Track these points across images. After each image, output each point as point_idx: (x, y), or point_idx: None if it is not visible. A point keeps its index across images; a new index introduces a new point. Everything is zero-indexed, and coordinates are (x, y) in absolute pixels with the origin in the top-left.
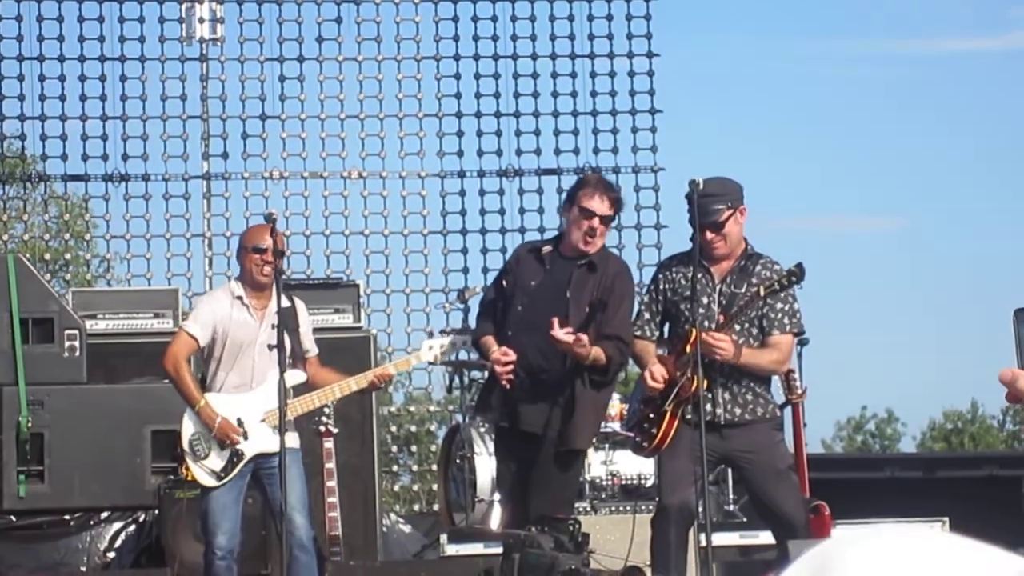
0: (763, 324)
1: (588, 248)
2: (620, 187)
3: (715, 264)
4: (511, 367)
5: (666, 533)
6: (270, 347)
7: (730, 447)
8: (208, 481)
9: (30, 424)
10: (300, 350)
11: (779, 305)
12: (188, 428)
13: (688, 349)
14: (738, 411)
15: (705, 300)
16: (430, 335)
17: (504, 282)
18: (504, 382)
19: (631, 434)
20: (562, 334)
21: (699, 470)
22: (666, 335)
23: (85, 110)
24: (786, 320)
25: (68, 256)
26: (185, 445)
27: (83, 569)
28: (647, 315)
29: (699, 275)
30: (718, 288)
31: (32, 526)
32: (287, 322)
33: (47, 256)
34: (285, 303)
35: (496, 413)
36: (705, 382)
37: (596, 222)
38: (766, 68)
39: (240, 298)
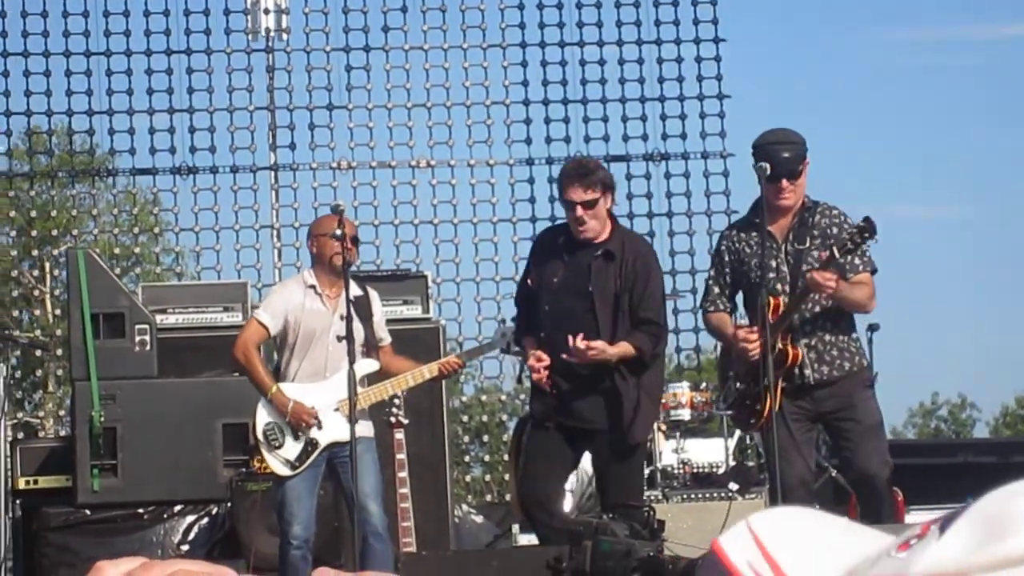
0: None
1: (585, 236)
2: (598, 164)
3: (774, 224)
4: (546, 371)
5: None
6: (339, 338)
7: (821, 408)
8: (283, 471)
9: (102, 419)
10: (374, 339)
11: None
12: (262, 417)
13: (772, 317)
14: (826, 369)
15: (773, 263)
16: (502, 322)
17: (529, 280)
18: (543, 386)
19: (730, 412)
20: (578, 351)
21: (803, 438)
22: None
23: (152, 104)
24: (858, 261)
25: (138, 251)
26: (259, 435)
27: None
28: (716, 289)
29: (762, 239)
30: (783, 248)
31: (106, 519)
32: (360, 311)
33: (117, 251)
34: (358, 291)
35: (542, 413)
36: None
37: (579, 211)
38: (832, 54)
39: (313, 287)
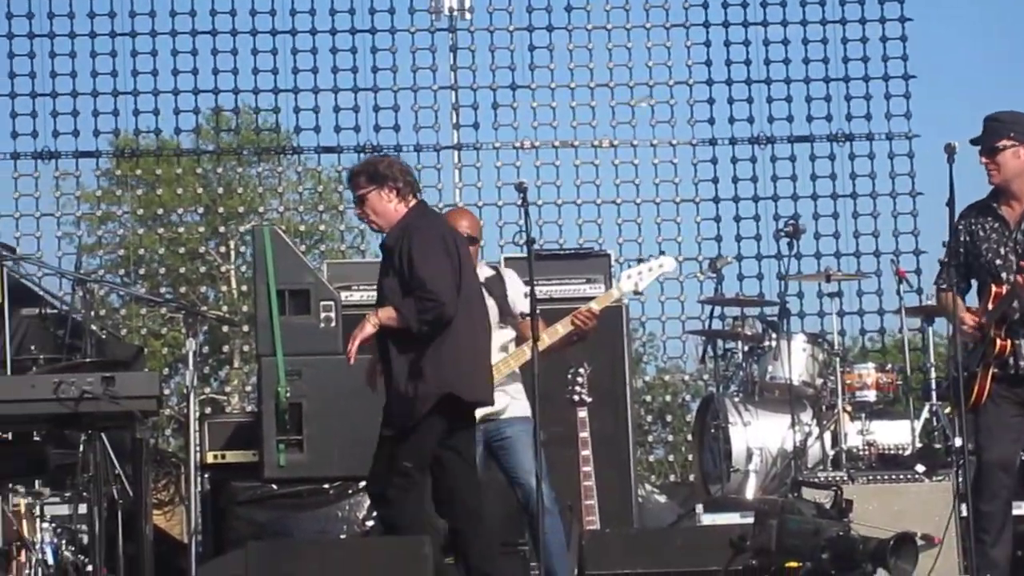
0: None
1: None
2: (365, 163)
3: (1009, 209)
4: None
5: (987, 490)
6: (523, 316)
7: None
8: None
9: (288, 394)
10: (508, 309)
11: None
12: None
13: (991, 306)
14: None
15: (1002, 250)
16: (636, 263)
17: None
18: None
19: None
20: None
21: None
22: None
23: (337, 82)
24: None
25: (322, 228)
26: None
27: (342, 537)
28: (948, 269)
29: (995, 224)
30: (1013, 235)
31: (292, 495)
32: (493, 289)
33: (302, 229)
34: (489, 272)
35: None
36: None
37: (356, 209)
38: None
39: None
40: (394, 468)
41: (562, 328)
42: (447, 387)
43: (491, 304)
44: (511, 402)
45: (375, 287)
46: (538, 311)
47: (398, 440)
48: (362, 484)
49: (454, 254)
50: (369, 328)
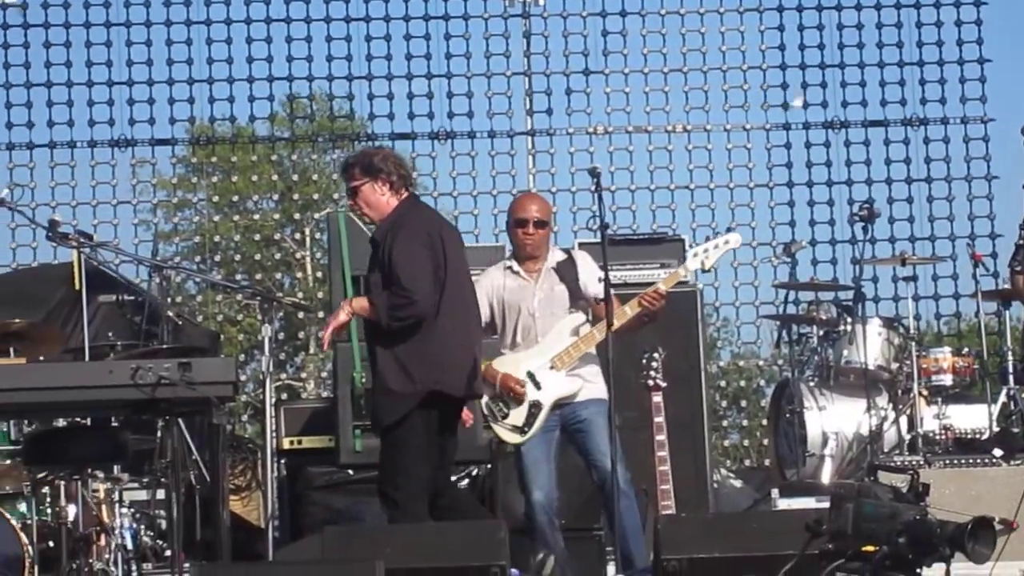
0: None
1: (370, 221)
2: (359, 154)
3: None
4: None
5: None
6: (596, 300)
7: None
8: (512, 438)
9: (364, 380)
10: (579, 293)
11: None
12: (486, 394)
13: None
14: None
15: None
16: (707, 239)
17: None
18: None
19: None
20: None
21: None
22: None
23: (411, 69)
24: None
25: None
26: (484, 411)
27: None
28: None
29: None
30: None
31: (368, 480)
32: (564, 273)
33: None
34: (561, 256)
35: None
36: None
37: (349, 201)
38: None
39: (510, 267)
40: (392, 467)
41: (630, 310)
42: (433, 384)
43: (562, 289)
44: (585, 385)
45: None
46: (612, 295)
47: (384, 438)
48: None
49: (439, 250)
50: (343, 316)
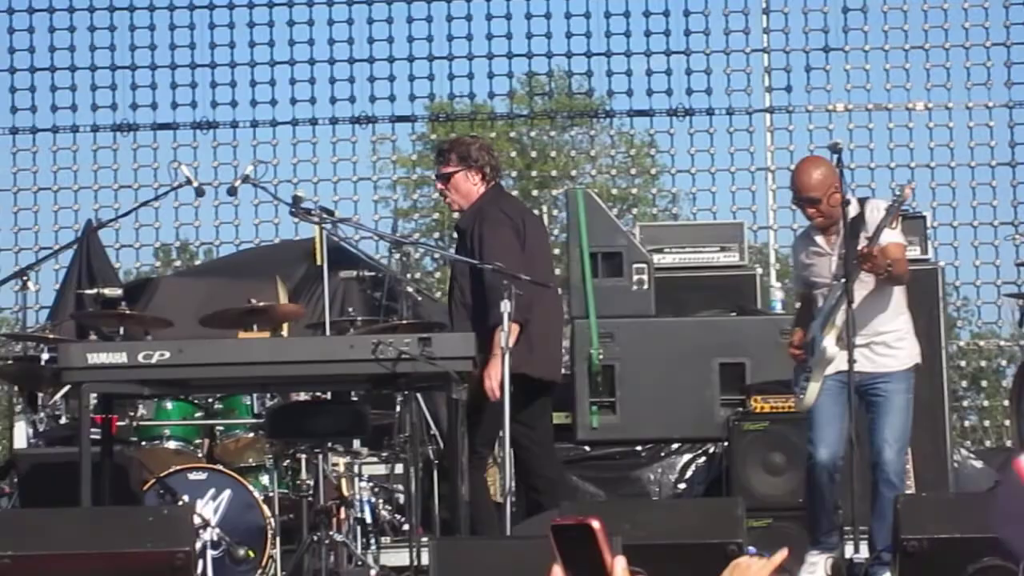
0: None
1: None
2: (454, 141)
3: None
4: None
5: None
6: (836, 277)
7: None
8: (806, 398)
9: (601, 356)
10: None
11: None
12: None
13: None
14: None
15: None
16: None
17: None
18: None
19: None
20: None
21: None
22: None
23: (649, 45)
24: None
25: (635, 192)
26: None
27: (655, 499)
28: None
29: None
30: None
31: (605, 456)
32: (856, 230)
33: (614, 192)
34: (855, 211)
35: None
36: None
37: (438, 184)
38: None
39: (808, 235)
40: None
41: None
42: (516, 368)
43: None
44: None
45: (686, 250)
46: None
47: (470, 418)
48: (674, 446)
49: (522, 237)
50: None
